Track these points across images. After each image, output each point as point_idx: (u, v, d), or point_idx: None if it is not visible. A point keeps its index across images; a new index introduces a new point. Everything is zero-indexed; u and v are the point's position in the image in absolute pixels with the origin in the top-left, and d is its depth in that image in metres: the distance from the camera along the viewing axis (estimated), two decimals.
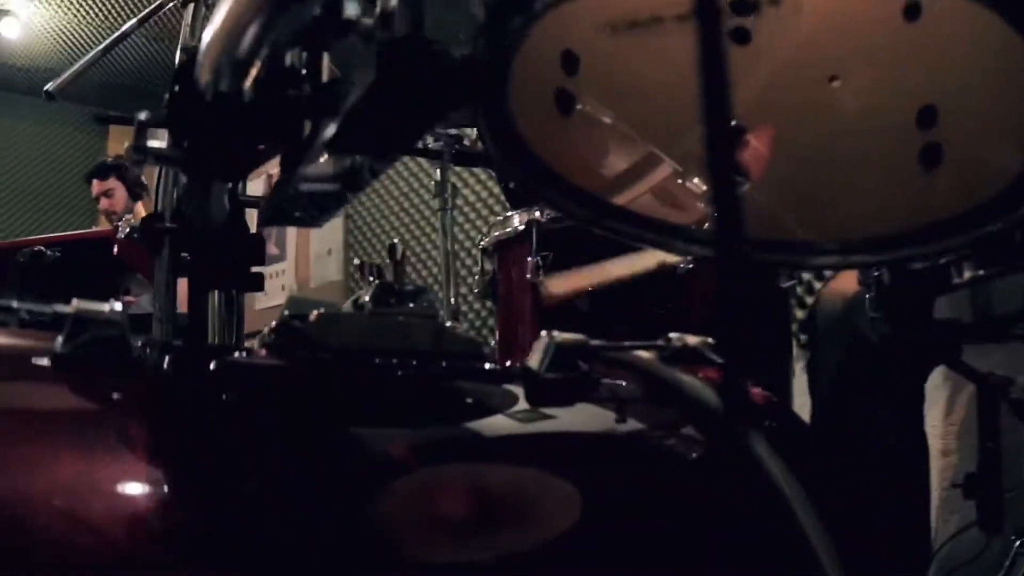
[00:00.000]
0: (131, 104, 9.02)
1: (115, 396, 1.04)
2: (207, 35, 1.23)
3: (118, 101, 8.83)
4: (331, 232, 8.16)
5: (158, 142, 1.39)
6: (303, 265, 8.53)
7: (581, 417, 1.26)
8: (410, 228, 7.20)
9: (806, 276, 4.12)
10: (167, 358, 1.15)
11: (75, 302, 1.03)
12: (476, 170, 6.30)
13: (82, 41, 8.77)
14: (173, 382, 1.11)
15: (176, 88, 1.32)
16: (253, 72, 1.20)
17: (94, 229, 4.62)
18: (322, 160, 1.27)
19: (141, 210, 5.90)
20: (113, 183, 6.07)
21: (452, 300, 3.56)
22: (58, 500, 0.86)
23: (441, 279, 3.68)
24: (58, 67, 9.38)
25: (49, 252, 3.31)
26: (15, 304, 1.13)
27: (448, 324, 1.34)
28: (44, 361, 1.03)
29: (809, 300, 4.13)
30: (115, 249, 3.25)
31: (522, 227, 2.62)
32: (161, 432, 1.00)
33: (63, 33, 8.74)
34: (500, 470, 1.15)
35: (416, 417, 1.18)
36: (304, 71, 1.28)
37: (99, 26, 8.51)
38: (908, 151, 1.32)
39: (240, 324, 1.62)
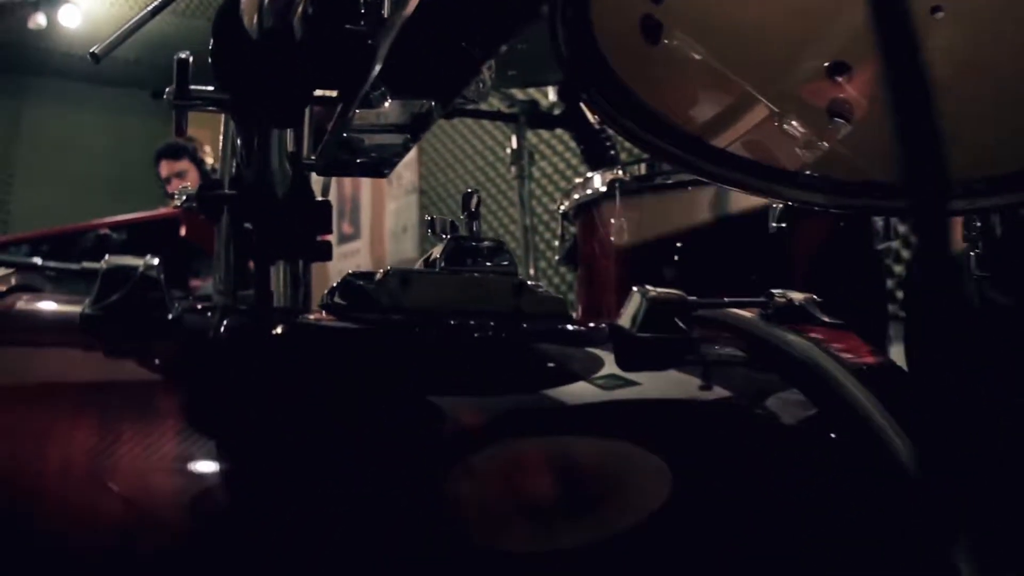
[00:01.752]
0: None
1: (149, 361, 0.93)
2: None
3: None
4: (406, 209, 8.09)
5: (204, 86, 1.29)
6: (378, 243, 8.47)
7: (678, 384, 1.13)
8: (486, 202, 7.10)
9: (894, 244, 3.95)
10: (209, 319, 1.03)
11: (107, 257, 0.93)
12: (555, 140, 6.18)
13: (143, 29, 8.75)
14: (214, 345, 0.99)
15: (219, 25, 1.20)
16: (300, 6, 1.10)
17: (160, 210, 4.58)
18: (386, 105, 1.19)
19: None
20: (186, 164, 5.96)
21: (532, 272, 3.46)
22: (78, 476, 0.76)
23: (520, 252, 3.58)
24: (119, 54, 9.46)
25: (115, 235, 3.27)
26: (39, 261, 1.01)
27: (528, 282, 1.22)
28: (71, 323, 0.92)
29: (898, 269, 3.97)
30: (182, 229, 3.19)
31: (604, 188, 2.47)
32: (202, 401, 0.88)
33: (123, 21, 8.70)
34: (589, 445, 1.01)
35: (494, 386, 1.05)
36: (363, 5, 1.16)
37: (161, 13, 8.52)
38: None
39: (308, 298, 1.51)
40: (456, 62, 1.09)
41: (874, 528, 1.03)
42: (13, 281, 1.00)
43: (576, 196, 2.61)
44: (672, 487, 0.97)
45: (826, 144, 1.23)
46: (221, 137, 1.56)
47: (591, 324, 1.21)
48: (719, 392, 1.15)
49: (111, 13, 8.66)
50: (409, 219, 8.08)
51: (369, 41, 1.11)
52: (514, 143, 3.39)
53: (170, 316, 0.93)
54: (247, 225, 1.43)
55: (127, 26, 2.01)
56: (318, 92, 1.20)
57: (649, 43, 1.19)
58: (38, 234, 3.52)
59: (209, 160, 5.93)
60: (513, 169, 3.41)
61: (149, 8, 2.10)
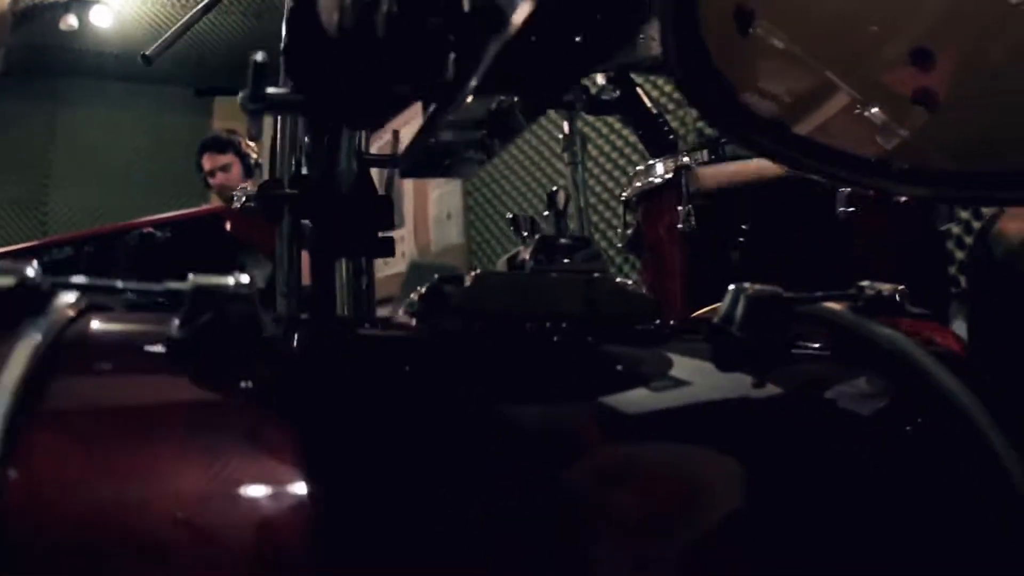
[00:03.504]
0: (229, 83, 9.07)
1: (249, 385, 0.88)
2: None
3: (216, 82, 8.80)
4: (450, 195, 8.06)
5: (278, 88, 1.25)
6: (423, 230, 8.45)
7: (784, 385, 1.11)
8: (533, 188, 7.04)
9: (964, 214, 3.91)
10: (305, 337, 1.01)
11: (191, 276, 0.88)
12: (601, 124, 6.13)
13: (173, 25, 8.77)
14: (313, 365, 0.96)
15: (294, 23, 1.17)
16: (384, 4, 1.06)
17: (204, 207, 4.55)
18: (468, 102, 1.16)
19: None
20: (230, 158, 5.93)
21: None
22: (188, 512, 0.73)
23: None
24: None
25: (159, 233, 3.25)
26: (119, 284, 0.95)
27: (619, 280, 1.20)
28: (158, 348, 0.87)
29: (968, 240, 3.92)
30: (227, 224, 3.18)
31: (669, 175, 2.46)
32: (304, 427, 0.84)
33: (155, 19, 8.75)
34: (694, 452, 0.99)
35: (594, 390, 1.02)
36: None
37: (191, 10, 8.56)
38: None
39: (371, 294, 1.51)
40: (565, 67, 1.06)
41: (977, 531, 1.02)
42: (83, 304, 0.95)
43: (639, 184, 2.60)
44: (783, 490, 0.96)
45: (905, 131, 1.20)
46: (276, 135, 1.53)
47: (688, 324, 1.18)
48: (826, 393, 1.13)
49: (142, 12, 8.69)
50: (453, 205, 8.06)
51: (450, 37, 1.10)
52: (566, 128, 3.35)
53: (264, 335, 0.89)
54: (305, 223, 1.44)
55: (178, 26, 2.03)
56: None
57: (740, 33, 1.17)
58: (81, 235, 3.50)
59: (253, 155, 5.91)
60: (566, 156, 3.38)
61: (200, 7, 2.11)
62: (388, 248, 1.47)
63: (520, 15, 0.89)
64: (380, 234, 1.46)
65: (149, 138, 9.62)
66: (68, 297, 0.87)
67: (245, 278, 0.89)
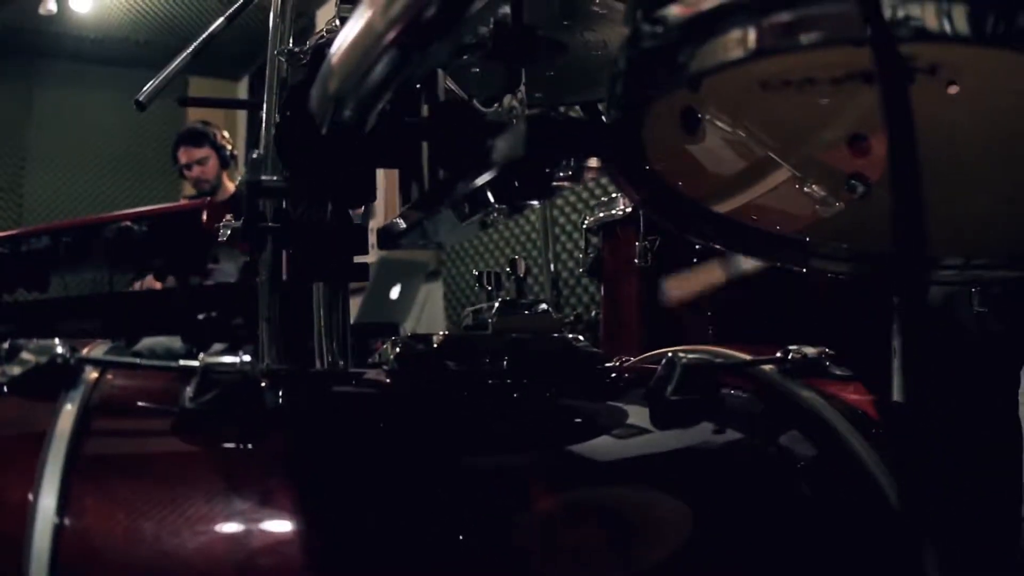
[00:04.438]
0: (208, 68, 8.76)
1: (252, 454, 1.03)
2: (332, 59, 1.16)
3: (194, 66, 8.74)
4: None
5: (270, 175, 1.38)
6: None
7: (704, 439, 1.26)
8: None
9: None
10: (298, 403, 1.15)
11: (202, 356, 1.03)
12: None
13: (152, 10, 8.75)
14: (310, 430, 1.11)
15: (287, 119, 1.29)
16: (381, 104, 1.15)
17: (182, 202, 4.54)
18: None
19: (229, 184, 5.77)
20: (206, 151, 5.74)
21: (552, 267, 3.48)
22: (216, 561, 0.87)
23: (539, 248, 3.59)
24: (129, 36, 9.16)
25: (136, 228, 3.25)
26: (138, 360, 1.08)
27: (570, 336, 1.34)
28: (174, 416, 1.03)
29: None
30: (204, 216, 3.21)
31: (628, 210, 2.51)
32: (305, 484, 0.99)
33: (133, 4, 8.70)
34: (628, 495, 1.15)
35: (544, 441, 1.19)
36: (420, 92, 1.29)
37: None
38: None
39: (347, 313, 1.61)
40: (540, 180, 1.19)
41: (856, 549, 1.16)
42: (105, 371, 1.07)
43: (600, 214, 2.67)
44: (698, 530, 1.12)
45: (841, 204, 1.27)
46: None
47: (632, 377, 1.33)
48: (738, 444, 1.28)
49: None
50: None
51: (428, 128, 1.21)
52: None
53: (267, 408, 1.05)
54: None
55: (169, 70, 2.12)
56: None
57: (687, 134, 1.24)
58: (58, 225, 3.51)
59: (228, 146, 5.84)
60: None
61: (190, 49, 2.20)
62: (362, 273, 1.57)
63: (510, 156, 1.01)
64: (355, 259, 1.56)
65: (126, 121, 9.43)
66: (92, 369, 1.02)
67: (247, 357, 1.04)
